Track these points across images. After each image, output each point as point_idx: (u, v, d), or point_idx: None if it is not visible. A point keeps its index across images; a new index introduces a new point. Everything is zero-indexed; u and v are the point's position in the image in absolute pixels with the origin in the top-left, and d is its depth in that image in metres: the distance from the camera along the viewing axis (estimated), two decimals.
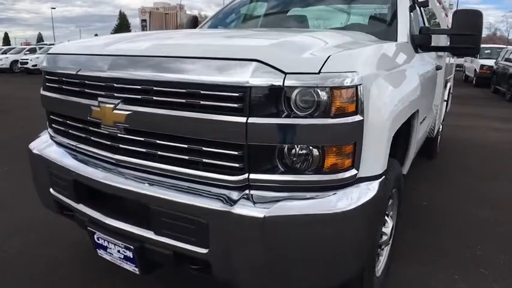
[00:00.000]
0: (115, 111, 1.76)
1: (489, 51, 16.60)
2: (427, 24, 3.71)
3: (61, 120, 2.20)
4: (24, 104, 9.89)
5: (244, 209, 1.49)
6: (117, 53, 1.83)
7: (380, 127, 1.66)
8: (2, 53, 25.67)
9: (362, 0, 3.63)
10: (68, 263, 2.67)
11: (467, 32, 2.58)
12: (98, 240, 2.01)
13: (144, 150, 1.75)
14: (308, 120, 1.46)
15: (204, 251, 1.60)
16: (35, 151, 2.30)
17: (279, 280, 1.60)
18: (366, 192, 1.60)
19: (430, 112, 3.52)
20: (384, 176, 1.71)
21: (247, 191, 1.55)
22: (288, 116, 1.47)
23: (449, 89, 5.40)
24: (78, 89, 1.98)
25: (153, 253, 1.78)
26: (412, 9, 2.95)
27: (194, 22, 3.77)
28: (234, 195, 1.55)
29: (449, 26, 2.75)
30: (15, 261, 2.69)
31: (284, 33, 2.15)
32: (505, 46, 15.55)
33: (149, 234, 1.74)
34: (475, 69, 15.87)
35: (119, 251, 1.92)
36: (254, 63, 1.47)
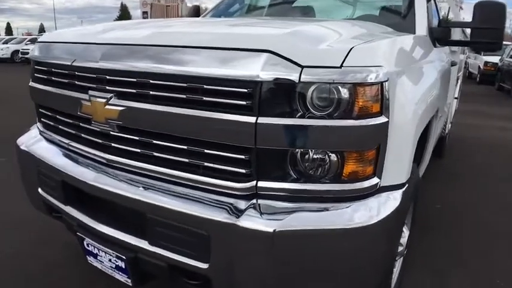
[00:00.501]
0: (107, 107, 1.57)
1: None
2: (441, 17, 3.52)
3: (50, 114, 2.02)
4: (25, 94, 9.64)
5: (251, 221, 1.31)
6: (110, 42, 1.64)
7: (405, 129, 1.48)
8: (3, 43, 25.50)
9: None
10: (63, 264, 2.50)
11: (489, 26, 2.38)
12: (88, 246, 1.83)
13: (139, 150, 1.57)
14: (326, 122, 1.27)
15: (204, 266, 1.42)
16: (22, 147, 2.12)
17: None
18: (388, 204, 1.42)
19: (444, 110, 3.34)
20: (407, 185, 1.53)
21: (254, 201, 1.37)
22: (302, 116, 1.29)
23: (460, 86, 5.22)
24: (67, 80, 1.79)
25: (147, 264, 1.61)
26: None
27: (196, 12, 3.57)
28: (240, 204, 1.37)
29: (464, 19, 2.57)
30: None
31: (295, 22, 1.95)
32: (510, 43, 15.30)
33: (143, 244, 1.56)
34: (479, 66, 15.64)
35: (110, 260, 1.75)
36: (265, 54, 1.28)
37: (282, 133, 1.28)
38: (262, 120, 1.27)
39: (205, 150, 1.41)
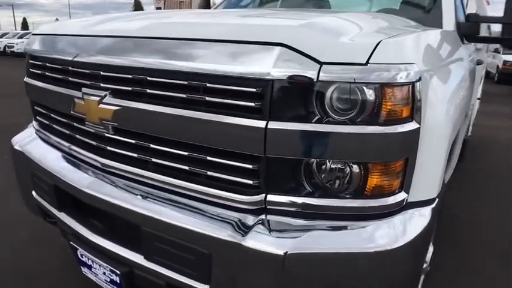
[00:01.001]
0: (101, 106, 1.41)
1: None
2: (467, 12, 3.28)
3: (45, 112, 1.87)
4: None
5: (258, 241, 1.13)
6: (105, 34, 1.47)
7: (438, 137, 1.29)
8: (18, 38, 25.66)
9: None
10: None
11: None
12: (82, 257, 1.69)
13: (134, 155, 1.40)
14: (347, 128, 1.09)
15: (205, 287, 1.25)
16: (16, 147, 1.98)
17: None
18: (416, 223, 1.23)
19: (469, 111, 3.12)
20: (437, 200, 1.34)
21: (263, 216, 1.20)
22: (320, 121, 1.11)
23: (481, 86, 4.97)
24: (60, 76, 1.64)
25: (143, 280, 1.46)
26: None
27: (207, 3, 3.38)
28: (246, 220, 1.20)
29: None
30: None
31: (311, 13, 1.76)
32: None
33: (139, 259, 1.40)
34: (498, 65, 15.23)
35: (104, 273, 1.60)
36: (278, 48, 1.10)
37: (296, 140, 1.10)
38: (273, 125, 1.10)
39: (208, 158, 1.24)
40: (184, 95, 1.21)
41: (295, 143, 1.10)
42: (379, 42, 1.11)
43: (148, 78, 1.28)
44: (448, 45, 1.88)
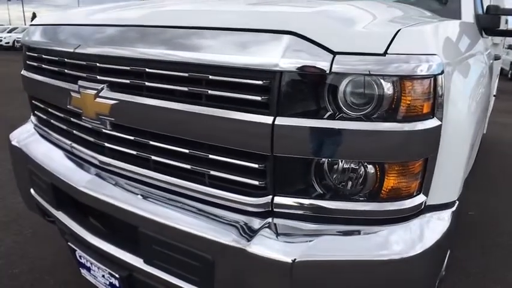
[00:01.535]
0: (97, 100, 1.33)
1: None
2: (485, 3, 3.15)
3: (42, 107, 1.80)
4: None
5: (264, 247, 1.04)
6: (102, 23, 1.39)
7: (460, 135, 1.19)
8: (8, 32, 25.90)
9: None
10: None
11: None
12: (80, 259, 1.61)
13: (133, 152, 1.32)
14: (363, 125, 0.99)
15: None
16: (14, 142, 1.91)
17: None
18: (435, 228, 1.13)
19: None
20: (457, 203, 1.24)
21: (269, 219, 1.11)
22: (332, 117, 1.01)
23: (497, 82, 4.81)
24: (57, 68, 1.56)
25: (144, 285, 1.37)
26: None
27: None
28: (252, 224, 1.11)
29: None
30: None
31: (323, 0, 1.65)
32: None
33: (138, 263, 1.32)
34: (511, 62, 14.97)
35: (103, 276, 1.52)
36: (287, 36, 1.00)
37: (306, 138, 1.01)
38: (281, 121, 1.00)
39: (211, 156, 1.15)
40: (184, 88, 1.13)
41: (304, 141, 1.01)
42: (399, 30, 1.01)
43: (147, 70, 1.19)
44: (468, 38, 1.77)
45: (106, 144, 1.40)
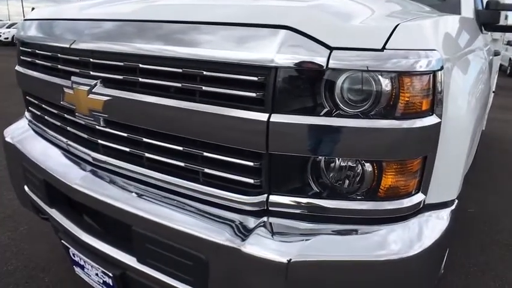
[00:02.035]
0: (90, 96, 1.30)
1: None
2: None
3: (36, 103, 1.77)
4: None
5: (259, 246, 1.02)
6: (95, 17, 1.36)
7: (460, 133, 1.16)
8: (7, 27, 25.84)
9: None
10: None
11: None
12: (74, 257, 1.59)
13: (126, 149, 1.30)
14: (360, 122, 0.97)
15: None
16: (7, 139, 1.88)
17: None
18: (434, 227, 1.11)
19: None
20: (457, 201, 1.21)
21: (264, 218, 1.08)
22: (329, 114, 0.99)
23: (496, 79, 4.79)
24: (50, 64, 1.53)
25: (137, 284, 1.35)
26: None
27: None
28: (247, 223, 1.09)
29: None
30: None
31: None
32: None
33: (131, 262, 1.30)
34: (510, 58, 14.93)
35: (97, 275, 1.50)
36: (282, 31, 0.98)
37: (302, 135, 0.98)
38: (276, 118, 0.98)
39: (205, 154, 1.12)
40: (178, 85, 1.10)
41: (300, 138, 0.99)
42: (397, 25, 0.99)
43: (140, 65, 1.17)
44: (468, 34, 1.75)
45: (99, 141, 1.37)
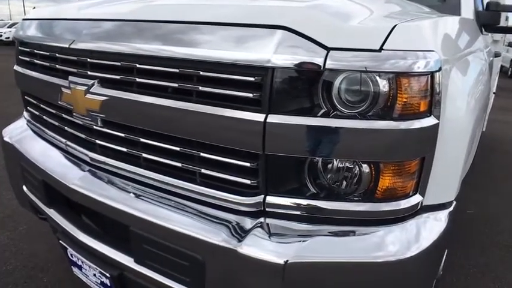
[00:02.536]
0: (88, 96, 1.30)
1: None
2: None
3: (34, 102, 1.77)
4: None
5: (256, 247, 1.02)
6: (93, 17, 1.36)
7: (458, 135, 1.16)
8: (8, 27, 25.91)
9: None
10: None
11: None
12: (72, 257, 1.59)
13: (124, 150, 1.29)
14: (357, 123, 0.96)
15: None
16: (6, 138, 1.88)
17: None
18: (431, 228, 1.11)
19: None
20: (455, 203, 1.21)
21: (261, 219, 1.08)
22: (327, 115, 0.99)
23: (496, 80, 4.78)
24: (48, 64, 1.53)
25: (134, 284, 1.35)
26: None
27: None
28: (244, 224, 1.08)
29: None
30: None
31: None
32: None
33: (129, 262, 1.30)
34: (511, 60, 14.89)
35: (94, 275, 1.50)
36: (279, 32, 0.97)
37: (299, 136, 0.98)
38: (273, 118, 0.98)
39: (202, 154, 1.12)
40: (175, 85, 1.10)
41: (297, 139, 0.98)
42: (395, 26, 0.98)
43: (138, 65, 1.17)
44: (468, 35, 1.74)
45: (97, 141, 1.37)
